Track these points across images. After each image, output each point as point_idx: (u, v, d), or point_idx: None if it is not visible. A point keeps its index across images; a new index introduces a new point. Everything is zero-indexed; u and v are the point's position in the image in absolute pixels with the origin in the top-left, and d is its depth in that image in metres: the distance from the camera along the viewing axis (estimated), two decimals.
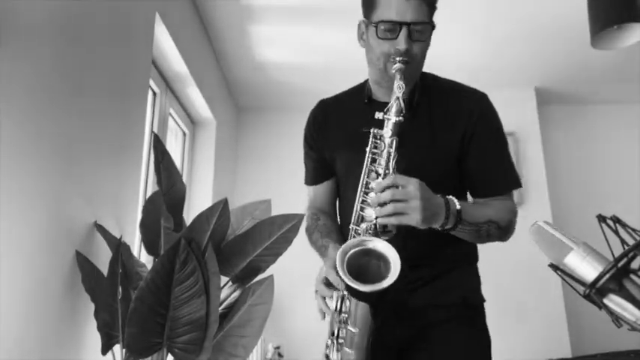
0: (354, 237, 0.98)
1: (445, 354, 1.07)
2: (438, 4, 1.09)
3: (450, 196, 0.96)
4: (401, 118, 0.94)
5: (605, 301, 0.61)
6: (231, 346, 1.36)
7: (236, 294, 1.46)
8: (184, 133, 2.85)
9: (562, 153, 3.61)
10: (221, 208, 1.37)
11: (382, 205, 0.89)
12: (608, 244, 0.69)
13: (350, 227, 1.00)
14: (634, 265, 0.60)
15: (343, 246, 0.90)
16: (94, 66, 1.41)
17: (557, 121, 3.69)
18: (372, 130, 0.98)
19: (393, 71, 0.99)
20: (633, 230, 0.66)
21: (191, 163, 2.91)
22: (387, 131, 0.95)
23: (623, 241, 0.64)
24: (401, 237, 0.95)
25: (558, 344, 2.96)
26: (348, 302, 0.95)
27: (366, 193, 0.98)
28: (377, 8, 1.02)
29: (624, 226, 0.66)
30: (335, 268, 0.89)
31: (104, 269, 1.29)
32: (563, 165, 3.58)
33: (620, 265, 0.60)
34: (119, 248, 1.27)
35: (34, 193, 1.12)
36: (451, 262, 1.14)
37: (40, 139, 1.14)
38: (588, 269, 0.62)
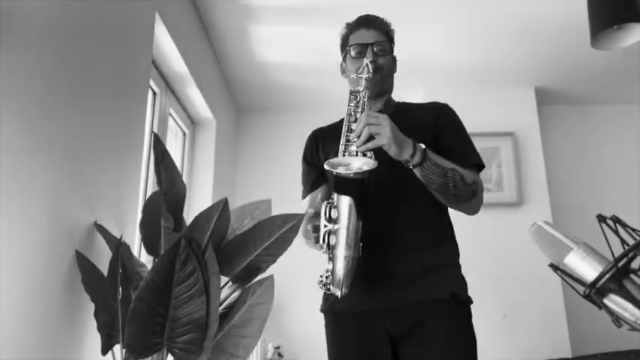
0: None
1: (437, 349, 1.16)
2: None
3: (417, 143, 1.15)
4: (370, 75, 1.22)
5: (605, 301, 0.61)
6: (231, 346, 1.36)
7: (236, 294, 1.45)
8: (184, 133, 2.85)
9: (562, 153, 3.61)
10: (221, 208, 1.37)
11: (359, 135, 1.08)
12: (608, 244, 0.69)
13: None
14: (634, 265, 0.60)
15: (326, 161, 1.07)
16: (94, 66, 1.41)
17: (557, 121, 3.69)
18: (350, 90, 1.24)
19: (364, 75, 1.23)
20: (633, 230, 0.66)
21: (191, 163, 2.91)
22: (361, 86, 1.22)
23: (623, 241, 0.65)
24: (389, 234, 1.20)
25: (558, 344, 2.96)
26: (335, 211, 1.09)
27: (348, 141, 1.14)
28: (349, 42, 1.38)
29: (624, 226, 0.66)
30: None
31: (104, 269, 1.29)
32: (563, 165, 3.58)
33: (620, 265, 0.60)
34: (119, 248, 1.27)
35: (34, 193, 1.12)
36: (438, 258, 1.25)
37: (40, 139, 1.14)
38: (588, 269, 0.63)
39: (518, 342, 2.93)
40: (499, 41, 2.83)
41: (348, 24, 1.43)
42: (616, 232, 0.66)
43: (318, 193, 1.42)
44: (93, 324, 1.26)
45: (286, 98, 3.52)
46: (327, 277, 1.11)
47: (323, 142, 1.45)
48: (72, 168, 1.28)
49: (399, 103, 1.43)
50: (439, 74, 3.19)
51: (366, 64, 1.24)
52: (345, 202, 1.08)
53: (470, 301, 1.26)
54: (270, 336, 3.11)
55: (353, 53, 1.35)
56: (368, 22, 1.37)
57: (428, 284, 1.20)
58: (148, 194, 2.04)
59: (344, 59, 1.44)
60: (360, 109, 1.19)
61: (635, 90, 3.48)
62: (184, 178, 2.74)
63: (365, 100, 1.20)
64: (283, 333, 3.17)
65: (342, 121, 1.39)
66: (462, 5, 2.46)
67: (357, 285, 1.14)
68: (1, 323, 0.99)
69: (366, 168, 1.04)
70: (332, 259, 1.09)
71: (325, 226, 1.08)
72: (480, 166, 1.29)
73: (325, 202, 1.10)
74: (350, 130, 1.15)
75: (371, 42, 1.33)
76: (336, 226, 1.08)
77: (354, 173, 1.06)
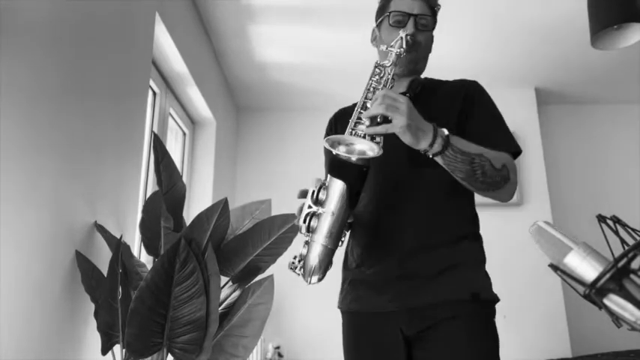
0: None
1: (451, 351, 1.08)
2: (441, 4, 1.21)
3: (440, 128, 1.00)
4: (402, 50, 1.07)
5: (605, 301, 0.61)
6: (231, 346, 1.36)
7: (236, 294, 1.46)
8: (184, 133, 2.85)
9: (562, 153, 3.61)
10: (221, 208, 1.37)
11: (370, 117, 0.95)
12: (608, 244, 0.69)
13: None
14: (634, 265, 0.60)
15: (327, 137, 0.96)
16: (94, 66, 1.41)
17: (557, 121, 3.69)
18: (375, 62, 1.09)
19: (399, 50, 1.08)
20: (633, 230, 0.66)
21: (191, 163, 2.91)
22: (389, 61, 1.07)
23: (623, 241, 0.64)
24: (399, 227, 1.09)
25: (558, 344, 2.96)
26: (324, 192, 0.99)
27: (359, 119, 1.01)
28: (389, 6, 1.22)
29: (624, 226, 0.66)
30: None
31: (104, 269, 1.29)
32: (563, 165, 3.58)
33: (620, 265, 0.60)
34: (119, 248, 1.27)
35: (34, 193, 1.12)
36: (456, 257, 1.14)
37: (39, 139, 1.14)
38: (588, 269, 0.62)
39: (518, 342, 2.93)
40: (499, 41, 2.83)
41: None
42: (616, 232, 0.66)
43: None
44: (93, 324, 1.26)
45: (286, 98, 3.52)
46: (298, 262, 1.02)
47: (341, 125, 1.30)
48: (72, 168, 1.28)
49: (426, 79, 1.30)
50: (439, 74, 3.18)
51: (402, 37, 1.09)
52: (337, 187, 0.97)
53: (494, 299, 1.17)
54: (270, 336, 3.11)
55: (392, 21, 1.18)
56: None
57: (445, 285, 1.11)
58: (148, 194, 2.04)
59: (379, 25, 1.27)
60: (381, 87, 1.04)
61: (635, 90, 3.48)
62: (184, 178, 2.74)
63: (390, 77, 1.05)
64: (283, 333, 3.17)
65: None
66: (462, 5, 2.46)
67: (373, 285, 1.12)
68: (1, 323, 0.99)
69: (370, 154, 0.93)
70: (308, 243, 1.00)
71: (310, 207, 0.97)
72: (514, 152, 1.13)
73: (316, 180, 1.00)
74: (365, 108, 1.01)
75: (415, 13, 1.18)
76: (321, 210, 0.97)
77: (356, 158, 0.95)
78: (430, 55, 1.31)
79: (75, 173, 1.30)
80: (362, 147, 0.94)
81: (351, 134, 0.97)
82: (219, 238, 1.41)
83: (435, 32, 1.23)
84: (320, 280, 1.03)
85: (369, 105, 0.99)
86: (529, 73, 3.26)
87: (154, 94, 2.32)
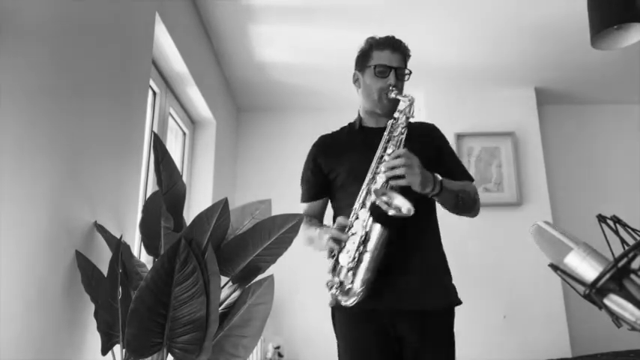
0: (368, 193, 1.31)
1: (435, 352, 1.34)
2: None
3: (435, 174, 1.34)
4: (412, 116, 1.37)
5: (605, 301, 0.61)
6: (231, 346, 1.36)
7: (236, 294, 1.46)
8: (184, 133, 2.85)
9: (562, 153, 3.61)
10: (221, 208, 1.37)
11: (393, 168, 1.26)
12: (608, 244, 0.69)
13: (363, 187, 1.34)
14: (634, 265, 0.60)
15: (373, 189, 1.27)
16: (94, 66, 1.41)
17: (557, 121, 3.69)
18: (390, 121, 1.39)
19: (393, 95, 1.41)
20: (633, 230, 0.66)
21: (191, 163, 2.91)
22: (402, 123, 1.37)
23: (623, 241, 0.65)
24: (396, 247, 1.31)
25: (558, 344, 2.96)
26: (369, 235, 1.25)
27: (379, 168, 1.32)
28: (372, 58, 1.48)
29: (624, 226, 0.66)
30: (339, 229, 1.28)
31: (104, 269, 1.29)
32: (563, 165, 3.58)
33: (620, 265, 0.60)
34: (119, 248, 1.27)
35: (34, 193, 1.12)
36: (441, 266, 1.43)
37: (39, 139, 1.14)
38: (588, 269, 0.62)
39: (518, 342, 2.93)
40: (499, 41, 2.83)
41: (372, 39, 1.51)
42: (616, 232, 0.66)
43: (317, 205, 1.58)
44: (93, 324, 1.26)
45: (286, 98, 3.52)
46: (337, 287, 1.27)
47: (326, 154, 1.54)
48: (72, 168, 1.28)
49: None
50: (439, 74, 3.19)
51: (412, 103, 1.38)
52: (377, 231, 1.23)
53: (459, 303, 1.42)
54: (270, 336, 3.11)
55: (377, 72, 1.45)
56: (394, 44, 1.47)
57: (435, 293, 1.37)
58: (148, 194, 2.04)
59: (361, 71, 1.53)
60: (395, 142, 1.35)
61: (635, 90, 3.48)
62: (184, 178, 2.74)
63: (403, 137, 1.34)
64: (283, 333, 3.17)
65: (344, 129, 1.61)
66: (462, 5, 2.46)
67: (372, 285, 1.28)
68: (1, 323, 0.99)
69: (404, 213, 1.18)
70: (353, 274, 1.25)
71: (358, 249, 1.24)
72: (472, 179, 1.54)
73: (361, 225, 1.25)
74: (381, 157, 1.34)
75: (395, 66, 1.45)
76: (365, 249, 1.23)
77: (392, 213, 1.19)
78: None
79: (75, 173, 1.30)
80: (402, 205, 1.19)
81: (386, 188, 1.27)
82: (219, 238, 1.41)
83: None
84: (356, 302, 1.28)
85: (386, 158, 1.32)
86: (529, 73, 3.26)
87: (154, 94, 2.32)
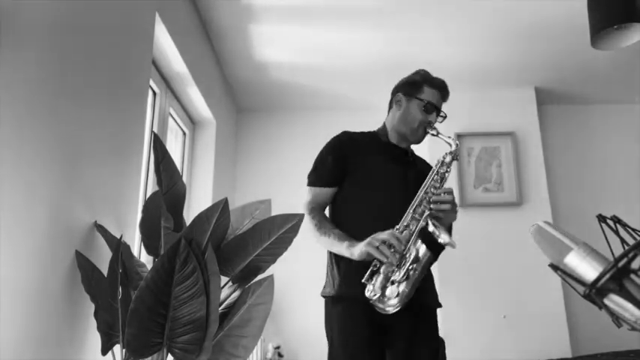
0: (413, 218, 1.44)
1: (423, 347, 1.46)
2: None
3: None
4: (456, 158, 1.54)
5: (605, 301, 0.61)
6: (231, 346, 1.36)
7: (236, 294, 1.46)
8: (184, 133, 2.85)
9: (562, 153, 3.61)
10: (221, 208, 1.37)
11: (441, 202, 1.43)
12: (609, 244, 0.69)
13: (409, 211, 1.45)
14: (634, 265, 0.60)
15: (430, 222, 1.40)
16: (94, 66, 1.41)
17: (557, 121, 3.69)
18: (440, 159, 1.54)
19: (434, 133, 1.58)
20: (633, 230, 0.66)
21: (191, 163, 2.91)
22: (448, 162, 1.53)
23: (623, 241, 0.64)
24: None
25: (558, 344, 2.96)
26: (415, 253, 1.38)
27: (428, 199, 1.46)
28: (423, 92, 1.62)
29: (624, 226, 0.66)
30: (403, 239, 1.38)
31: (104, 269, 1.29)
32: (563, 165, 3.58)
33: (620, 265, 0.60)
34: (119, 248, 1.27)
35: (34, 193, 1.12)
36: (429, 276, 1.55)
37: (40, 139, 1.14)
38: (588, 269, 0.62)
39: (518, 342, 2.93)
40: (499, 41, 2.83)
41: (426, 73, 1.67)
42: (616, 232, 0.66)
43: (326, 193, 1.58)
44: (93, 324, 1.26)
45: (286, 98, 3.52)
46: (374, 295, 1.36)
47: (353, 148, 1.61)
48: (72, 168, 1.28)
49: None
50: (439, 74, 3.18)
51: (457, 148, 1.55)
52: (425, 253, 1.36)
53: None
54: (270, 336, 3.11)
55: (425, 107, 1.60)
56: (446, 90, 1.66)
57: (426, 293, 1.48)
58: (148, 194, 2.04)
59: (408, 98, 1.64)
60: (440, 179, 1.51)
61: (635, 90, 3.48)
62: (184, 178, 2.74)
63: (447, 175, 1.52)
64: (283, 333, 3.17)
65: (368, 134, 1.70)
66: (462, 5, 2.46)
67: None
68: (1, 323, 0.99)
69: (450, 243, 1.34)
70: (397, 286, 1.36)
71: (412, 265, 1.36)
72: None
73: (413, 245, 1.38)
74: (428, 192, 1.48)
75: (439, 108, 1.64)
76: (414, 267, 1.36)
77: (441, 241, 1.35)
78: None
79: (75, 173, 1.30)
80: (444, 234, 1.33)
81: (433, 222, 1.39)
82: (219, 238, 1.41)
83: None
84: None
85: (433, 190, 1.47)
86: (529, 73, 3.26)
87: (154, 94, 2.32)
